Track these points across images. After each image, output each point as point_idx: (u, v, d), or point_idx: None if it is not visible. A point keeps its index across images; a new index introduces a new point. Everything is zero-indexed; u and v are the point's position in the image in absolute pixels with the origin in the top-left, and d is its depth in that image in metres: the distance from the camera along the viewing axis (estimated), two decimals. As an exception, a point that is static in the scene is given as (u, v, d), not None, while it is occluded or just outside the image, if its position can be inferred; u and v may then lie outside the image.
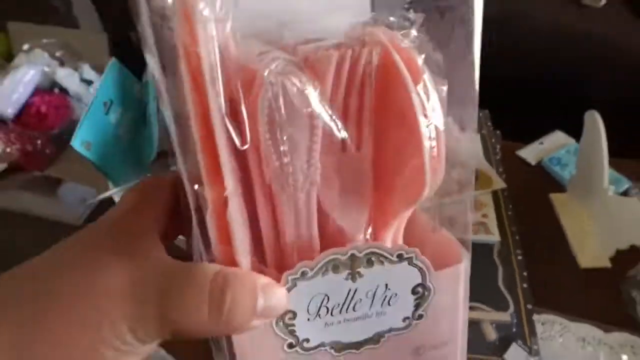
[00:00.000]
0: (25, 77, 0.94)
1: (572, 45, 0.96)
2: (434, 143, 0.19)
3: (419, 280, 0.21)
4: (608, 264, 0.55)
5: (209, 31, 0.17)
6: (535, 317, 0.50)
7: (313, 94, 0.18)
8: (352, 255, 0.19)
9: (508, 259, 0.55)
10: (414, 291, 0.21)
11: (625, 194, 0.60)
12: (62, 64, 1.05)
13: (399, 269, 0.20)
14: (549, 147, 0.70)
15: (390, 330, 0.22)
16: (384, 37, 0.19)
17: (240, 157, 0.18)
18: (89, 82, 1.04)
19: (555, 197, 0.62)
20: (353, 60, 0.19)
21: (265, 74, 0.17)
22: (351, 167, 0.20)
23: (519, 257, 0.55)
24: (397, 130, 0.19)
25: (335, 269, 0.19)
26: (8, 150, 0.89)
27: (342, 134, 0.19)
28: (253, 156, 0.18)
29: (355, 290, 0.20)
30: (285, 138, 0.18)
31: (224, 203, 0.18)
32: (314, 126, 0.18)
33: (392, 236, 0.21)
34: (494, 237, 0.56)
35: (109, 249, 0.19)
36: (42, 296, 0.18)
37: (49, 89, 0.99)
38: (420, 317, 0.22)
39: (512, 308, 0.50)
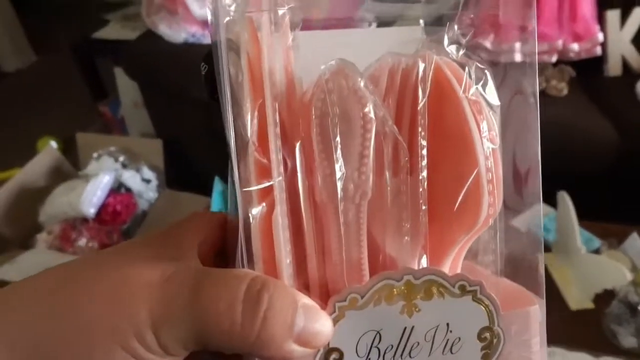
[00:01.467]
0: (102, 182, 1.12)
1: (543, 132, 1.18)
2: (490, 163, 0.18)
3: (486, 323, 0.18)
4: (591, 305, 0.73)
5: (270, 42, 0.17)
6: (540, 349, 0.67)
7: (368, 96, 0.17)
8: (408, 282, 0.18)
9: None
10: (480, 337, 0.19)
11: (596, 251, 0.79)
12: (124, 166, 1.24)
13: (462, 306, 0.18)
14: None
15: None
16: (435, 55, 0.19)
17: (290, 171, 0.18)
18: (148, 181, 1.24)
19: (545, 256, 0.81)
20: (405, 72, 0.19)
21: (321, 73, 0.17)
22: (404, 192, 0.19)
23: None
24: (452, 151, 0.19)
25: (389, 298, 0.18)
26: (90, 244, 1.05)
27: (398, 154, 0.18)
28: (303, 167, 0.18)
29: (412, 330, 0.18)
30: (337, 139, 0.17)
31: (270, 218, 0.17)
32: (366, 130, 0.17)
33: (450, 268, 0.20)
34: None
35: (144, 252, 0.18)
36: (64, 288, 0.17)
37: (116, 189, 1.17)
38: None
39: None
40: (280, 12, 0.18)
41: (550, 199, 0.88)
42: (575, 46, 1.41)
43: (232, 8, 0.18)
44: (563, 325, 0.71)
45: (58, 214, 1.11)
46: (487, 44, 1.41)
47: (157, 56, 1.28)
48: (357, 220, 0.18)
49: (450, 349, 0.19)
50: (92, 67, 1.64)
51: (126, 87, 1.42)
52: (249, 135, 0.17)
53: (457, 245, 0.20)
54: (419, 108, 0.19)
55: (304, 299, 0.17)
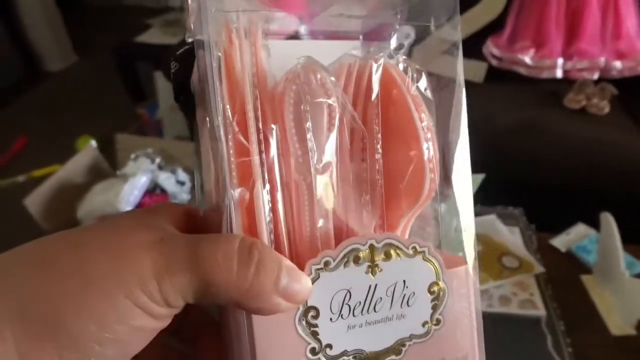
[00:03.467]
0: (139, 182, 1.15)
1: (584, 151, 1.15)
2: (429, 147, 0.22)
3: (434, 278, 0.22)
4: (633, 332, 0.70)
5: (243, 40, 0.21)
6: (579, 375, 0.64)
7: (333, 89, 0.21)
8: (371, 245, 0.21)
9: (553, 329, 0.71)
10: (430, 290, 0.22)
11: (639, 276, 0.77)
12: (160, 168, 1.26)
13: (415, 265, 0.22)
14: (574, 237, 0.87)
15: (411, 337, 0.22)
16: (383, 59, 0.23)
17: (267, 152, 0.21)
18: (182, 183, 1.26)
19: (586, 278, 0.79)
20: (360, 70, 0.22)
21: (293, 67, 0.21)
22: (363, 169, 0.22)
23: (562, 327, 0.71)
24: (400, 137, 0.22)
25: (356, 260, 0.21)
26: (126, 242, 1.07)
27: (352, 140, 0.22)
28: (278, 148, 0.21)
29: (376, 287, 0.21)
30: (308, 124, 0.21)
31: (252, 195, 0.20)
32: (332, 117, 0.21)
33: (400, 235, 0.23)
34: (541, 311, 0.72)
35: (132, 222, 0.20)
36: (67, 250, 0.18)
37: (152, 189, 1.20)
38: (439, 322, 0.22)
39: (561, 369, 0.64)
40: (253, 15, 0.22)
41: (590, 220, 0.86)
42: (617, 64, 1.38)
43: (212, 10, 0.21)
44: (604, 351, 0.69)
45: (95, 212, 1.13)
46: (527, 59, 1.40)
47: (197, 61, 1.31)
48: (326, 194, 0.21)
49: (407, 302, 0.22)
50: (132, 70, 1.69)
51: (165, 91, 1.46)
52: (222, 119, 0.20)
53: (406, 217, 0.23)
54: (372, 100, 0.22)
55: (286, 261, 0.19)
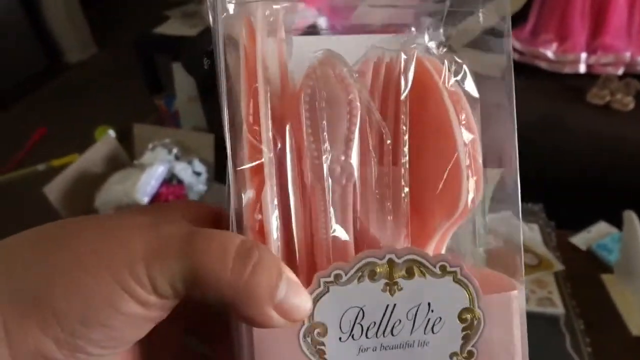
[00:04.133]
0: (157, 172, 1.16)
1: (607, 147, 1.13)
2: (468, 151, 0.19)
3: (467, 304, 0.19)
4: (655, 332, 0.69)
5: (264, 35, 0.19)
6: (599, 375, 0.63)
7: (353, 84, 0.19)
8: (390, 260, 0.18)
9: (572, 328, 0.69)
10: (461, 317, 0.19)
11: (662, 275, 0.75)
12: (177, 159, 1.27)
13: (443, 286, 0.19)
14: (595, 235, 0.85)
15: None
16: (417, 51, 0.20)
17: (281, 152, 0.19)
18: (198, 174, 1.27)
19: (606, 278, 0.77)
20: (389, 65, 0.20)
21: (310, 62, 0.19)
22: (386, 174, 0.20)
23: (581, 327, 0.69)
24: (433, 137, 0.20)
25: (372, 275, 0.18)
26: (142, 231, 1.08)
27: (381, 143, 0.20)
28: (293, 150, 0.19)
29: (394, 307, 0.19)
30: (324, 123, 0.19)
31: (260, 196, 0.18)
32: (352, 115, 0.19)
33: (433, 253, 0.20)
34: (559, 309, 0.71)
35: (137, 214, 0.19)
36: (57, 233, 0.17)
37: (169, 180, 1.21)
38: (471, 355, 0.19)
39: (580, 369, 0.63)
40: (275, 7, 0.20)
41: (612, 218, 0.84)
42: (644, 59, 1.34)
43: (232, 4, 0.19)
44: (624, 351, 0.67)
45: (113, 201, 1.15)
46: (549, 53, 1.37)
47: (215, 53, 1.31)
48: (344, 201, 0.19)
49: (432, 329, 0.19)
50: (150, 61, 1.70)
51: (182, 82, 1.47)
52: (242, 117, 0.19)
53: (440, 231, 0.20)
54: (401, 98, 0.20)
55: (288, 272, 0.18)
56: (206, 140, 1.29)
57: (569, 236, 0.86)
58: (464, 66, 0.21)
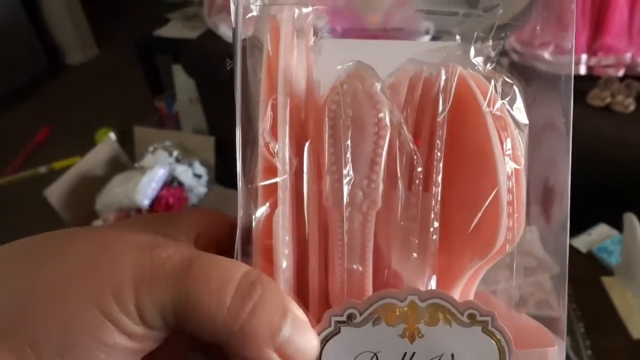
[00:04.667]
0: (157, 175, 1.16)
1: (608, 149, 1.13)
2: (511, 184, 0.17)
3: (496, 358, 0.17)
4: (656, 335, 0.69)
5: (290, 40, 0.17)
6: (599, 378, 0.63)
7: (384, 101, 0.17)
8: (412, 303, 0.16)
9: (572, 331, 0.69)
10: None
11: (663, 278, 0.74)
12: (178, 161, 1.28)
13: (470, 337, 0.17)
14: (596, 238, 0.85)
15: None
16: (460, 67, 0.18)
17: (298, 172, 0.17)
18: (199, 176, 1.27)
19: (606, 280, 0.77)
20: (428, 81, 0.18)
21: (338, 75, 0.17)
22: (414, 205, 0.17)
23: (582, 330, 0.69)
24: (471, 167, 0.18)
25: (390, 318, 0.16)
26: (142, 235, 1.09)
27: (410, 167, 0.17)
28: (311, 168, 0.17)
29: (413, 356, 0.17)
30: (348, 143, 0.17)
31: (271, 218, 0.16)
32: (380, 136, 0.17)
33: (460, 295, 0.18)
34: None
35: (136, 227, 0.17)
36: (42, 246, 0.16)
37: (169, 182, 1.21)
38: None
39: (580, 371, 0.63)
40: (305, 11, 0.18)
41: (613, 220, 0.84)
42: (644, 60, 1.33)
43: (257, 4, 0.17)
44: (625, 354, 0.67)
45: (114, 203, 1.15)
46: (546, 55, 1.37)
47: (216, 56, 1.32)
48: (364, 230, 0.17)
49: None
50: (151, 64, 1.70)
51: (183, 84, 1.47)
52: (260, 130, 0.17)
53: (470, 271, 0.18)
54: (438, 120, 0.17)
55: (296, 309, 0.16)
56: (207, 143, 1.30)
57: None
58: (514, 87, 0.18)
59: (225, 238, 0.19)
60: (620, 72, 1.32)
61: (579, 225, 0.87)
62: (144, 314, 0.15)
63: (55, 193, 1.16)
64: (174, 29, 1.59)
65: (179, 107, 1.55)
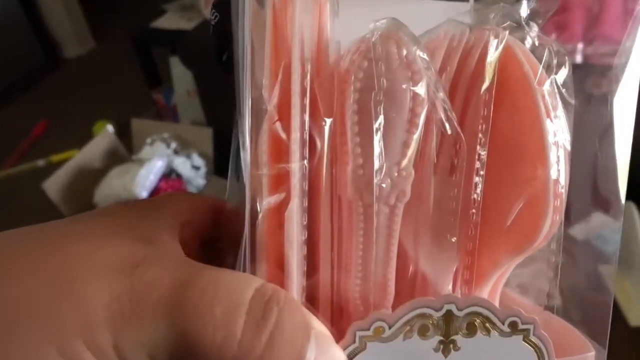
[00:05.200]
0: (155, 167, 1.16)
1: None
2: (559, 173, 0.14)
3: None
4: (652, 323, 0.69)
5: None
6: (597, 364, 0.64)
7: (423, 72, 0.13)
8: (449, 312, 0.14)
9: (570, 319, 0.69)
10: None
11: (661, 266, 0.75)
12: (176, 153, 1.27)
13: (509, 347, 0.15)
14: (594, 226, 0.85)
15: None
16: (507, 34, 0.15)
17: (310, 156, 0.14)
18: (197, 168, 1.27)
19: (604, 268, 0.77)
20: (467, 48, 0.15)
21: (366, 34, 0.13)
22: (453, 197, 0.15)
23: (579, 318, 0.69)
24: (514, 153, 0.15)
25: (424, 331, 0.14)
26: (142, 227, 1.09)
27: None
28: (329, 152, 0.14)
29: None
30: (379, 122, 0.13)
31: (282, 212, 0.14)
32: (414, 114, 0.14)
33: (488, 295, 0.16)
34: (557, 301, 0.71)
35: (113, 225, 0.14)
36: (16, 257, 0.12)
37: (168, 174, 1.21)
38: None
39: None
40: None
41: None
42: (642, 49, 1.33)
43: None
44: (623, 342, 0.67)
45: (112, 196, 1.15)
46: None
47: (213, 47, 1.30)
48: (389, 226, 0.14)
49: None
50: (148, 55, 1.69)
51: (180, 76, 1.45)
52: (267, 104, 0.14)
53: (502, 269, 0.16)
54: (482, 95, 0.15)
55: (316, 324, 0.13)
56: (205, 134, 1.29)
57: (566, 227, 0.85)
58: (566, 58, 0.16)
59: (208, 226, 0.16)
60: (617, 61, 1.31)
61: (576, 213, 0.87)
62: (127, 356, 0.12)
63: (53, 186, 1.15)
64: (170, 20, 1.58)
65: (176, 99, 1.54)
